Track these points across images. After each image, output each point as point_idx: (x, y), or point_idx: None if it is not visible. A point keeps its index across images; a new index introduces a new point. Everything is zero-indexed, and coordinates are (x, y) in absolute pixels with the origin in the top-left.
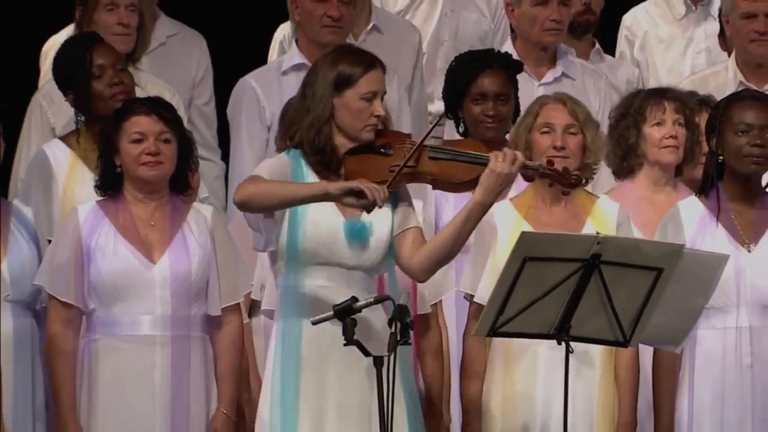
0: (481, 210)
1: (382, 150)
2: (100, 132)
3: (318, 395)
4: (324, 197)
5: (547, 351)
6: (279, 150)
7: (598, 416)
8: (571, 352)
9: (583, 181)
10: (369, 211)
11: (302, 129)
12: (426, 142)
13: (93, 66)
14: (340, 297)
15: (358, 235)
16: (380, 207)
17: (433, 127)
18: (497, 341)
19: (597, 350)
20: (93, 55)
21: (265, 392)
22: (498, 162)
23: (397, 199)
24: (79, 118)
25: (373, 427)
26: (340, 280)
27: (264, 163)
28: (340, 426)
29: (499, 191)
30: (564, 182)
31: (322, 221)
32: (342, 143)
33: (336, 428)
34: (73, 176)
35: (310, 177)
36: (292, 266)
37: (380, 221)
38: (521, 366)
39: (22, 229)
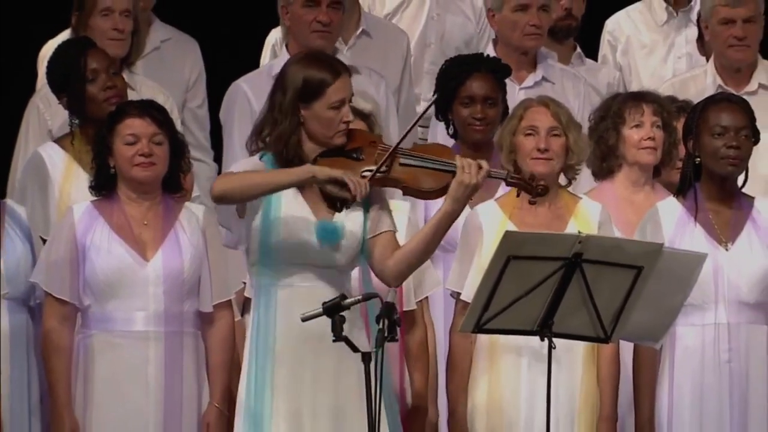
0: (450, 219)
1: (353, 155)
2: (94, 134)
3: (292, 393)
4: (310, 180)
5: (531, 347)
6: (251, 153)
7: (581, 410)
8: (554, 348)
9: (548, 189)
10: (344, 207)
11: (271, 140)
12: (398, 149)
13: (87, 70)
14: (313, 295)
15: (329, 236)
16: (357, 201)
17: (406, 134)
18: (483, 337)
19: (579, 346)
20: (87, 59)
21: (241, 386)
22: (464, 173)
23: (369, 201)
24: (73, 120)
25: (348, 421)
26: (312, 279)
27: (239, 163)
28: (314, 423)
29: (467, 200)
30: (531, 191)
31: (294, 222)
32: (312, 149)
33: (310, 424)
34: (68, 177)
35: None
36: (266, 265)
37: (351, 222)
38: (506, 361)
39: (17, 228)
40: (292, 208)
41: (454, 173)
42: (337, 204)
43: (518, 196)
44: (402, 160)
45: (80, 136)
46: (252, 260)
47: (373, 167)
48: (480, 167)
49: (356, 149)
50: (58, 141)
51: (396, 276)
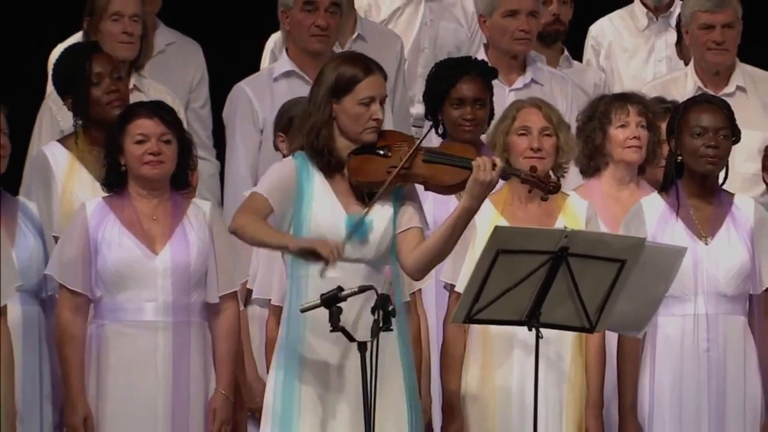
0: (468, 215)
1: (381, 152)
2: (100, 135)
3: (319, 380)
4: (284, 250)
5: (521, 337)
6: (290, 152)
7: (569, 396)
8: (541, 338)
9: (560, 186)
10: (323, 271)
11: (303, 133)
12: (422, 146)
13: (92, 74)
14: (345, 288)
15: (358, 230)
16: (332, 265)
17: (426, 134)
18: (475, 327)
19: (568, 336)
20: (92, 63)
21: (270, 379)
22: (480, 171)
23: (402, 197)
24: (76, 121)
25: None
26: (343, 272)
27: (268, 176)
28: (341, 408)
29: (483, 196)
30: (544, 188)
31: (325, 216)
32: (345, 145)
33: (337, 412)
34: (71, 176)
35: (315, 176)
36: (298, 260)
37: (380, 218)
38: (498, 351)
39: (29, 223)
40: (322, 202)
41: (470, 169)
42: (365, 198)
43: (530, 192)
44: (425, 157)
45: (83, 136)
46: (286, 254)
47: (397, 164)
48: (495, 165)
49: (385, 147)
50: (62, 141)
51: (418, 270)
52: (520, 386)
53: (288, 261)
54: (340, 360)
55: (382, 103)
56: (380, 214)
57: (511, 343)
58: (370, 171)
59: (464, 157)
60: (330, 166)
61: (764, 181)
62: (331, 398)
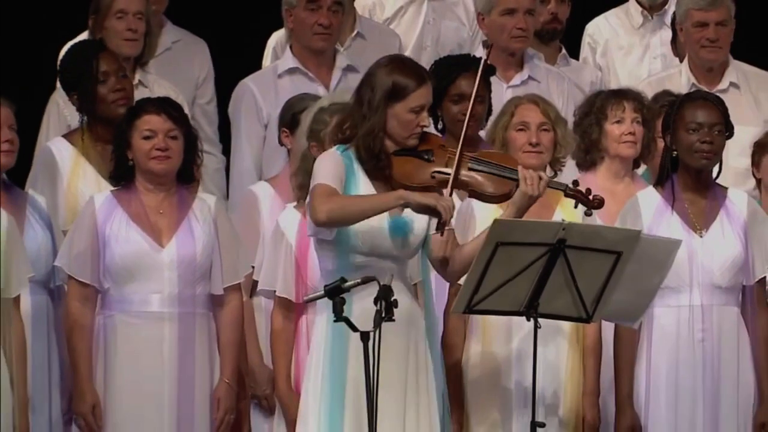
0: None
1: (425, 156)
2: (110, 131)
3: (361, 366)
4: (404, 206)
5: (520, 327)
6: (332, 143)
7: (567, 384)
8: (539, 328)
9: (604, 202)
10: (440, 230)
11: (360, 135)
12: (466, 153)
13: (98, 72)
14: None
15: (400, 231)
16: (450, 224)
17: (464, 136)
18: (475, 317)
19: (565, 326)
20: (99, 62)
21: (312, 362)
22: (527, 185)
23: None
24: (82, 117)
25: (408, 395)
26: (380, 269)
27: (324, 167)
28: (382, 394)
29: (527, 208)
30: (588, 204)
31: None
32: (389, 146)
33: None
34: (76, 171)
35: (360, 174)
36: (341, 255)
37: (419, 219)
38: (497, 340)
39: (36, 216)
40: None
41: (515, 180)
42: (437, 227)
43: (576, 207)
44: (471, 165)
45: (88, 132)
46: (326, 249)
47: (442, 168)
48: (540, 178)
49: (427, 151)
50: (67, 136)
51: (458, 273)
52: (519, 375)
53: (328, 256)
54: (385, 343)
55: (428, 110)
56: (419, 216)
57: (510, 334)
58: (415, 174)
59: (508, 167)
60: (379, 168)
61: (753, 175)
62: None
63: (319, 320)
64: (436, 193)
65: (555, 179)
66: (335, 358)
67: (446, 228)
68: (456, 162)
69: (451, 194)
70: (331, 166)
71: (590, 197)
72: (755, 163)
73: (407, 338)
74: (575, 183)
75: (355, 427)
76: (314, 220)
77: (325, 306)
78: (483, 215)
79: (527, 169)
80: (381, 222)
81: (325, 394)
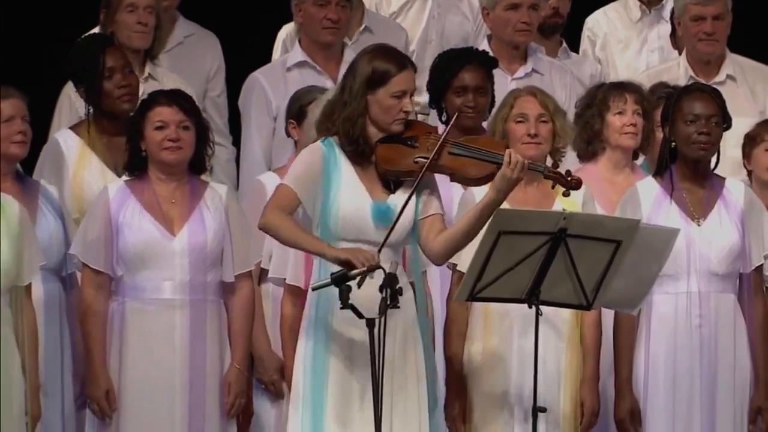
0: (492, 207)
1: (408, 142)
2: (115, 124)
3: (346, 352)
4: (320, 257)
5: (522, 313)
6: (318, 136)
7: (566, 370)
8: (541, 315)
9: (581, 183)
10: (360, 282)
11: (339, 121)
12: (449, 139)
13: (104, 67)
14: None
15: (382, 216)
16: (371, 276)
17: (450, 125)
18: (477, 305)
19: (565, 313)
20: (106, 57)
21: (299, 351)
22: (508, 169)
23: (423, 185)
24: (88, 109)
25: (396, 378)
26: None
27: (296, 166)
28: (362, 383)
29: (509, 191)
30: (566, 185)
31: (351, 203)
32: (374, 133)
33: (357, 385)
34: (82, 162)
35: (343, 162)
36: (325, 239)
37: (402, 204)
38: (499, 327)
39: (49, 205)
40: (349, 189)
41: (497, 164)
42: (391, 186)
43: (553, 188)
44: (451, 150)
45: (94, 124)
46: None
47: (425, 154)
48: (523, 163)
49: (412, 137)
50: (74, 128)
51: (442, 256)
52: (520, 361)
53: None
54: (364, 338)
55: (411, 96)
56: (403, 200)
57: (512, 321)
58: (398, 160)
59: (490, 150)
60: (361, 154)
61: (744, 167)
62: (358, 374)
63: (307, 310)
64: (357, 249)
65: (535, 163)
66: (318, 347)
67: (367, 276)
68: (436, 147)
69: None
70: (302, 166)
71: (569, 178)
72: (746, 155)
73: (395, 324)
74: (554, 165)
75: (339, 414)
76: (258, 222)
77: (315, 275)
78: None
79: (515, 154)
80: (363, 208)
81: (308, 383)
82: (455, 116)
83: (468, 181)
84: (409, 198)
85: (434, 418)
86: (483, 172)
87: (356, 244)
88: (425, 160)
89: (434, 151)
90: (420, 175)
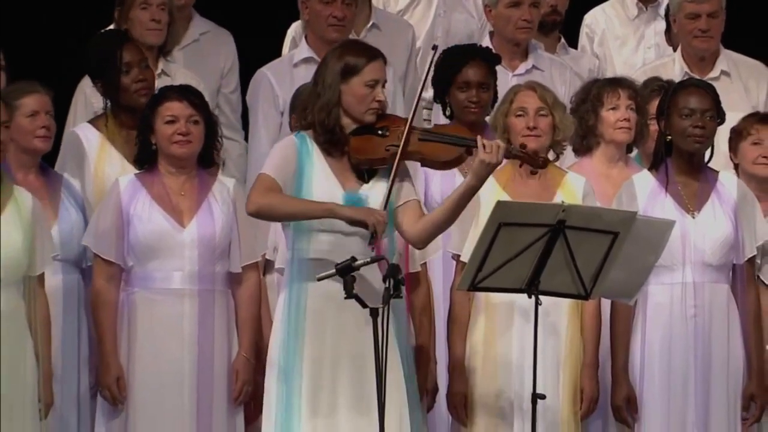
0: (472, 192)
1: (380, 132)
2: (132, 118)
3: (318, 342)
4: (331, 216)
5: (522, 303)
6: (293, 130)
7: (565, 358)
8: (540, 304)
9: (549, 162)
10: (372, 243)
11: (314, 112)
12: (417, 126)
13: (122, 62)
14: (339, 259)
15: (355, 206)
16: (381, 238)
17: (415, 110)
18: (479, 294)
19: (565, 302)
20: (123, 52)
21: (274, 337)
22: (485, 153)
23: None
24: (106, 103)
25: (367, 371)
26: (339, 245)
27: (272, 158)
28: (334, 372)
29: (486, 176)
30: (533, 163)
31: (323, 193)
32: (348, 124)
33: (330, 373)
34: (102, 156)
35: (315, 155)
36: (298, 232)
37: (375, 194)
38: (500, 315)
39: (71, 198)
40: (321, 179)
41: (465, 146)
42: (364, 176)
43: (521, 166)
44: (420, 136)
45: (113, 118)
46: (286, 227)
47: (396, 142)
48: (499, 146)
49: (383, 127)
50: (93, 122)
51: (422, 240)
52: (521, 349)
53: (288, 235)
54: (338, 319)
55: (383, 86)
56: (376, 190)
57: (512, 310)
58: (370, 149)
59: (456, 135)
60: (336, 144)
61: (731, 160)
62: (330, 353)
63: (281, 299)
64: (369, 208)
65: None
66: (291, 336)
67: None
68: (405, 132)
69: (396, 166)
70: (279, 158)
71: (536, 157)
72: (732, 149)
73: (364, 315)
74: (522, 146)
75: (312, 403)
76: (246, 209)
77: (286, 284)
78: (487, 198)
79: (490, 141)
80: (335, 198)
81: (282, 372)
82: (417, 100)
83: (437, 165)
84: (392, 185)
85: (417, 411)
86: (452, 155)
87: (335, 235)
88: (396, 148)
89: (404, 138)
90: (396, 162)
